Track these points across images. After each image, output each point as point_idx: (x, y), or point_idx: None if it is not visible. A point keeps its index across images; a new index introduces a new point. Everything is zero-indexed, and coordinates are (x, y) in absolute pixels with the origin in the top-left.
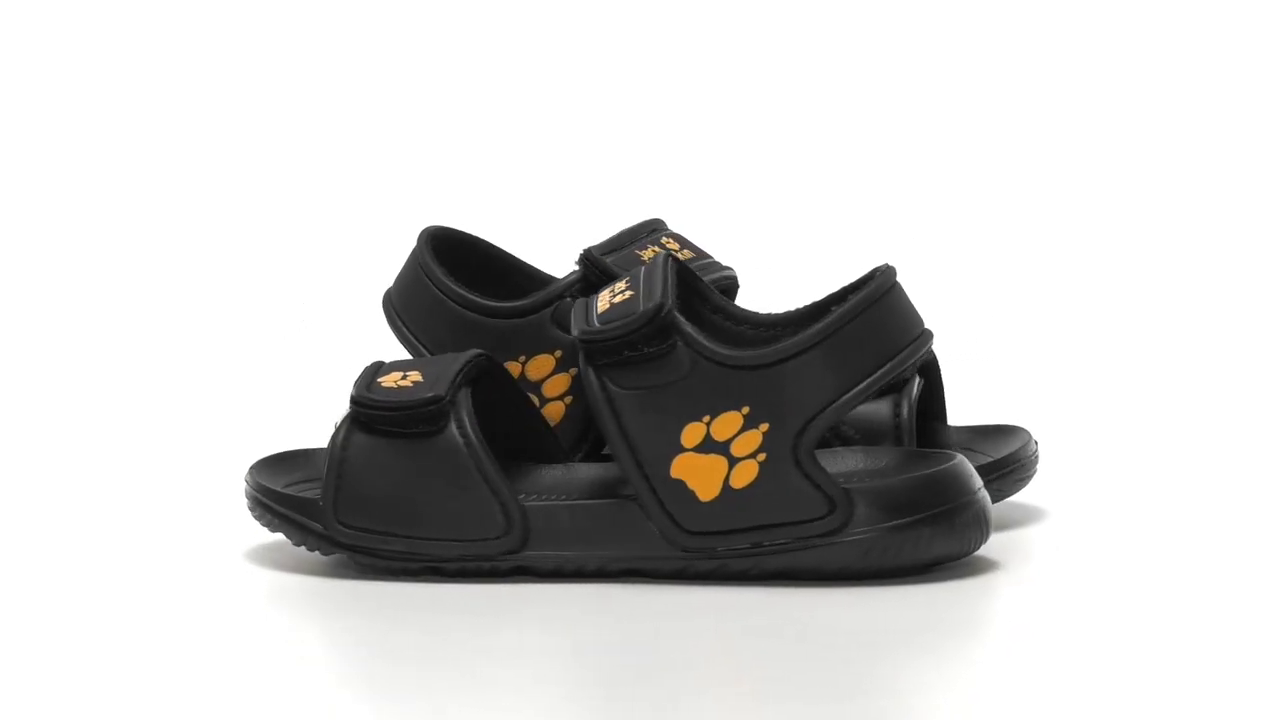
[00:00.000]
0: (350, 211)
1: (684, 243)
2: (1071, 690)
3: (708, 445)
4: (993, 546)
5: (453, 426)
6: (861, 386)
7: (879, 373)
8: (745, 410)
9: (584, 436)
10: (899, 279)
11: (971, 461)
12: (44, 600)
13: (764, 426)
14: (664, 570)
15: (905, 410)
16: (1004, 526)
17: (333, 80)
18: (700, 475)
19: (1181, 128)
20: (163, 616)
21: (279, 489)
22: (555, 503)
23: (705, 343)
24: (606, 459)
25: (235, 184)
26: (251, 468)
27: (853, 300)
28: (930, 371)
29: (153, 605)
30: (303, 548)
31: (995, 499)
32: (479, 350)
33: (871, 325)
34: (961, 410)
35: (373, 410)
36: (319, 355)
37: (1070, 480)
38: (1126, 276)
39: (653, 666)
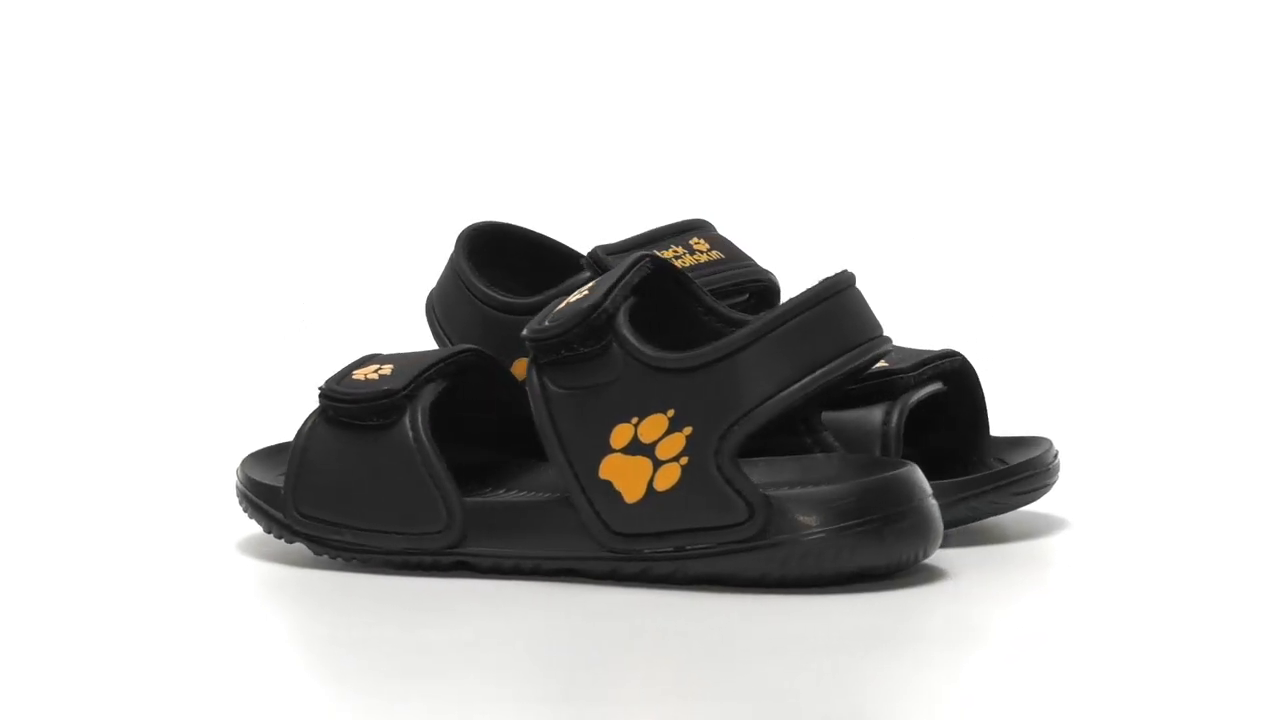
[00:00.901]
0: (376, 210)
1: (719, 244)
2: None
3: (634, 447)
4: (999, 553)
5: (405, 421)
6: (784, 394)
7: (803, 381)
8: (670, 413)
9: None
10: (849, 287)
11: (984, 469)
12: (37, 591)
13: (687, 430)
14: (595, 571)
15: (895, 418)
16: (1021, 535)
17: (362, 78)
18: (626, 477)
19: (1209, 136)
20: (140, 602)
21: (261, 479)
22: (493, 499)
23: (635, 344)
24: None
25: (241, 181)
26: (245, 459)
27: (777, 309)
28: (959, 379)
29: (135, 591)
30: (271, 534)
31: (1009, 507)
32: (469, 346)
33: (800, 332)
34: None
35: (333, 402)
36: (322, 350)
37: (1095, 491)
38: (1159, 289)
39: (572, 664)
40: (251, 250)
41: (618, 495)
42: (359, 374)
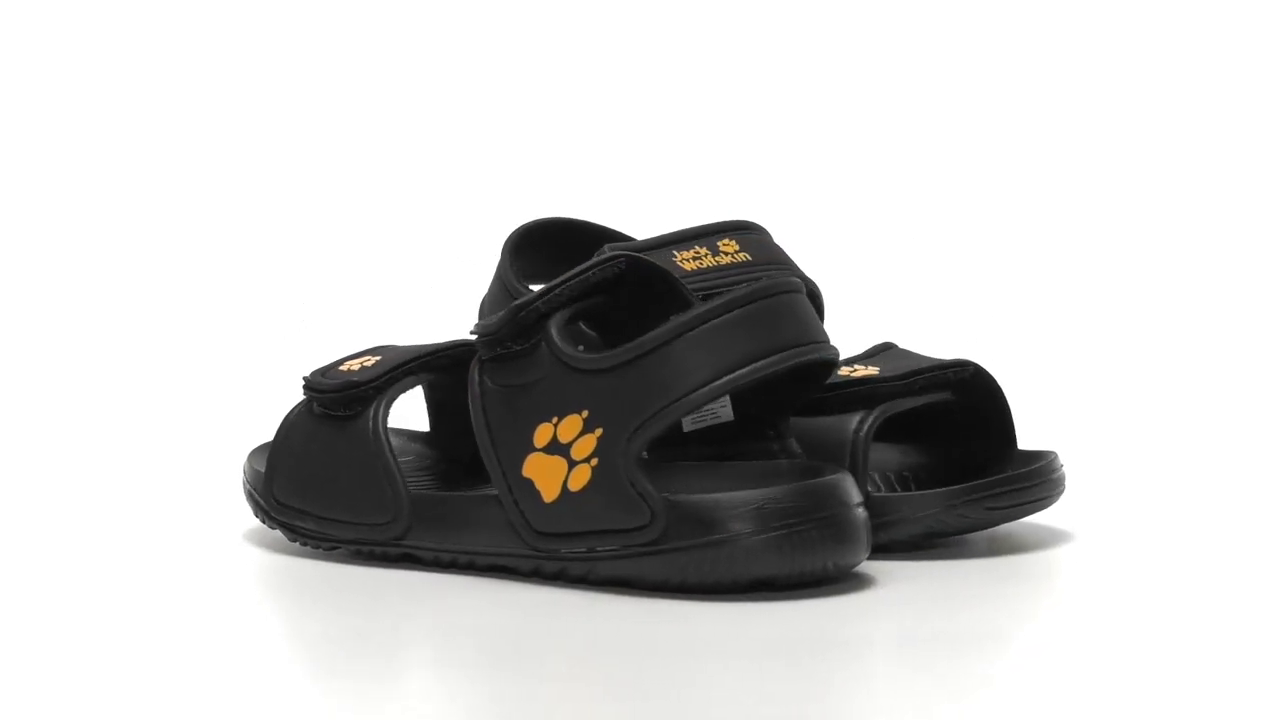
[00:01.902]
0: (418, 211)
1: (753, 246)
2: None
3: (553, 446)
4: (985, 565)
5: (368, 413)
6: (689, 398)
7: (710, 386)
8: (584, 414)
9: None
10: (773, 295)
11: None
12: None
13: (598, 431)
14: (521, 569)
15: (865, 427)
16: (1006, 549)
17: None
18: (545, 476)
19: (1219, 148)
20: (129, 585)
21: (259, 468)
22: (435, 493)
23: (559, 344)
24: None
25: (252, 180)
26: (253, 450)
27: (688, 315)
28: (975, 391)
29: (132, 576)
30: (259, 520)
31: (1006, 518)
32: (463, 340)
33: (709, 338)
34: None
35: (311, 391)
36: (330, 347)
37: (1101, 506)
38: (1163, 301)
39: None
40: (270, 246)
41: (538, 494)
42: (346, 365)
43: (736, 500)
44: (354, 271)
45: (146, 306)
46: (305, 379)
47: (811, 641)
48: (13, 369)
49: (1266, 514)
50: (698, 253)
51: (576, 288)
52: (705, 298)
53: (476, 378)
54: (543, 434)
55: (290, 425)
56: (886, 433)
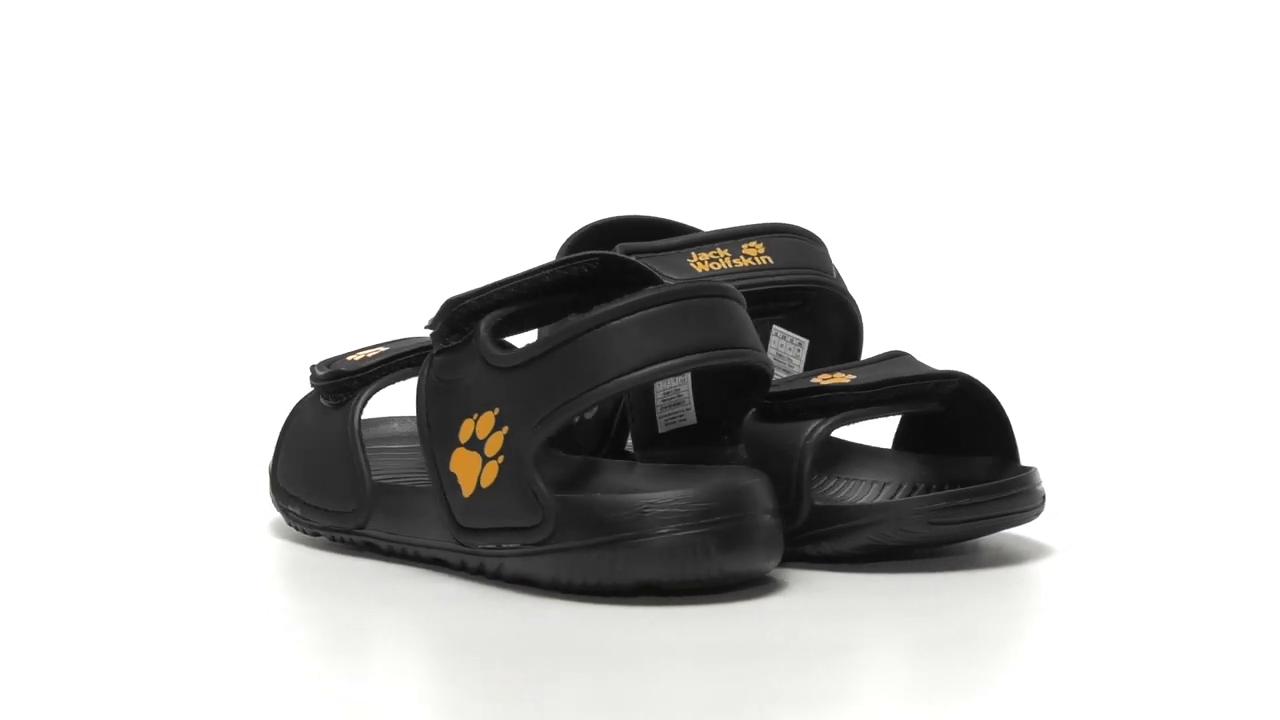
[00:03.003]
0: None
1: (780, 250)
2: None
3: (472, 442)
4: (939, 578)
5: (351, 402)
6: (578, 399)
7: (602, 387)
8: (496, 411)
9: (604, 440)
10: (677, 300)
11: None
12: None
13: (505, 429)
14: (451, 562)
15: (813, 435)
16: (991, 561)
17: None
18: (465, 471)
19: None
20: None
21: None
22: (394, 483)
23: (484, 341)
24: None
25: (293, 177)
26: None
27: (587, 317)
28: (965, 403)
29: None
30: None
31: (981, 530)
32: None
33: (611, 338)
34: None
35: (313, 380)
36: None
37: (1084, 520)
38: (1147, 313)
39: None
40: (308, 239)
41: (459, 489)
42: (351, 355)
43: (624, 502)
44: (399, 266)
45: (178, 297)
46: (310, 367)
47: (740, 645)
48: (38, 361)
49: (1254, 524)
50: (716, 255)
51: (526, 286)
52: None
53: (425, 370)
54: (466, 429)
55: (294, 412)
56: (911, 442)
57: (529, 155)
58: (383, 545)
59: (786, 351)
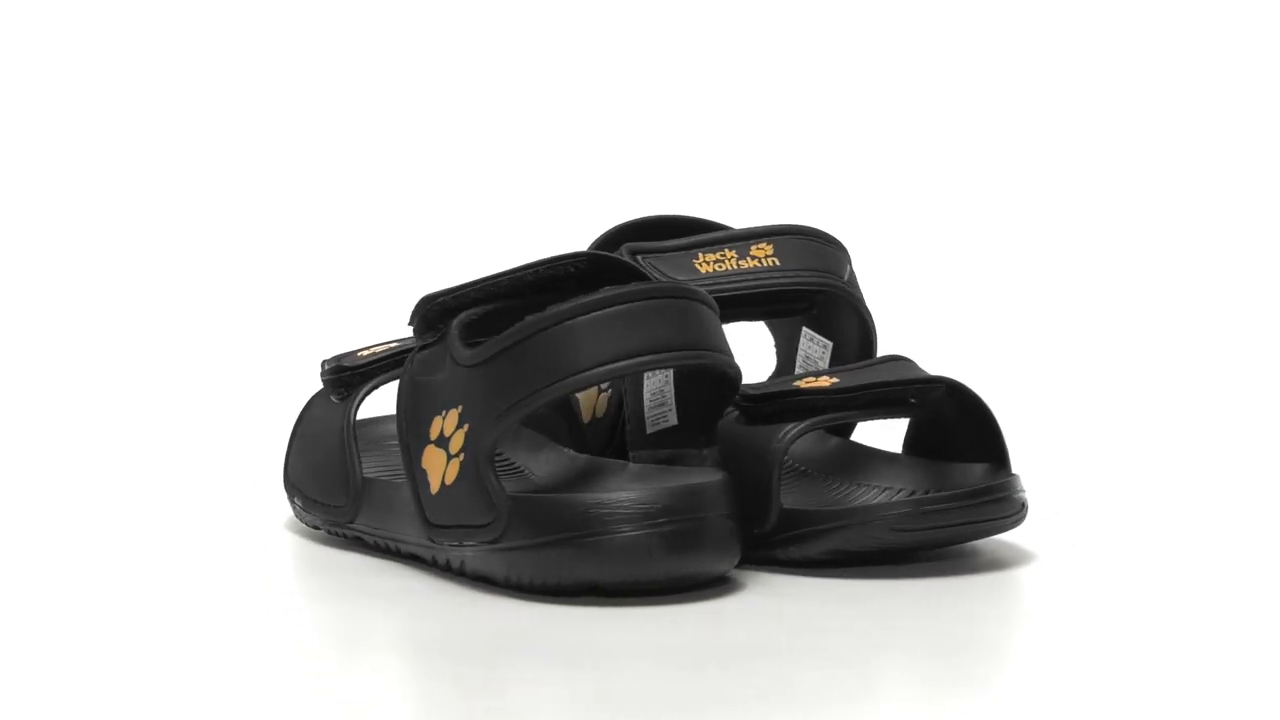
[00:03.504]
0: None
1: (790, 252)
2: None
3: (440, 439)
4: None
5: (351, 397)
6: (532, 396)
7: (555, 386)
8: (460, 409)
9: (610, 439)
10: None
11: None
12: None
13: (466, 427)
14: (424, 558)
15: (785, 438)
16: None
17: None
18: (433, 468)
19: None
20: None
21: None
22: (381, 477)
23: (454, 339)
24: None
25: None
26: None
27: (539, 317)
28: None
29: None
30: None
31: (960, 537)
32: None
33: (567, 336)
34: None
35: (321, 375)
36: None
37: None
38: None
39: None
40: (332, 236)
41: (429, 485)
42: (363, 351)
43: (571, 502)
44: (426, 265)
45: (204, 295)
46: (322, 362)
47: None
48: (60, 358)
49: (1243, 530)
50: (723, 256)
51: (506, 285)
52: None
53: (405, 367)
54: (435, 427)
55: (306, 407)
56: (917, 447)
57: (563, 155)
58: (369, 540)
59: (813, 353)
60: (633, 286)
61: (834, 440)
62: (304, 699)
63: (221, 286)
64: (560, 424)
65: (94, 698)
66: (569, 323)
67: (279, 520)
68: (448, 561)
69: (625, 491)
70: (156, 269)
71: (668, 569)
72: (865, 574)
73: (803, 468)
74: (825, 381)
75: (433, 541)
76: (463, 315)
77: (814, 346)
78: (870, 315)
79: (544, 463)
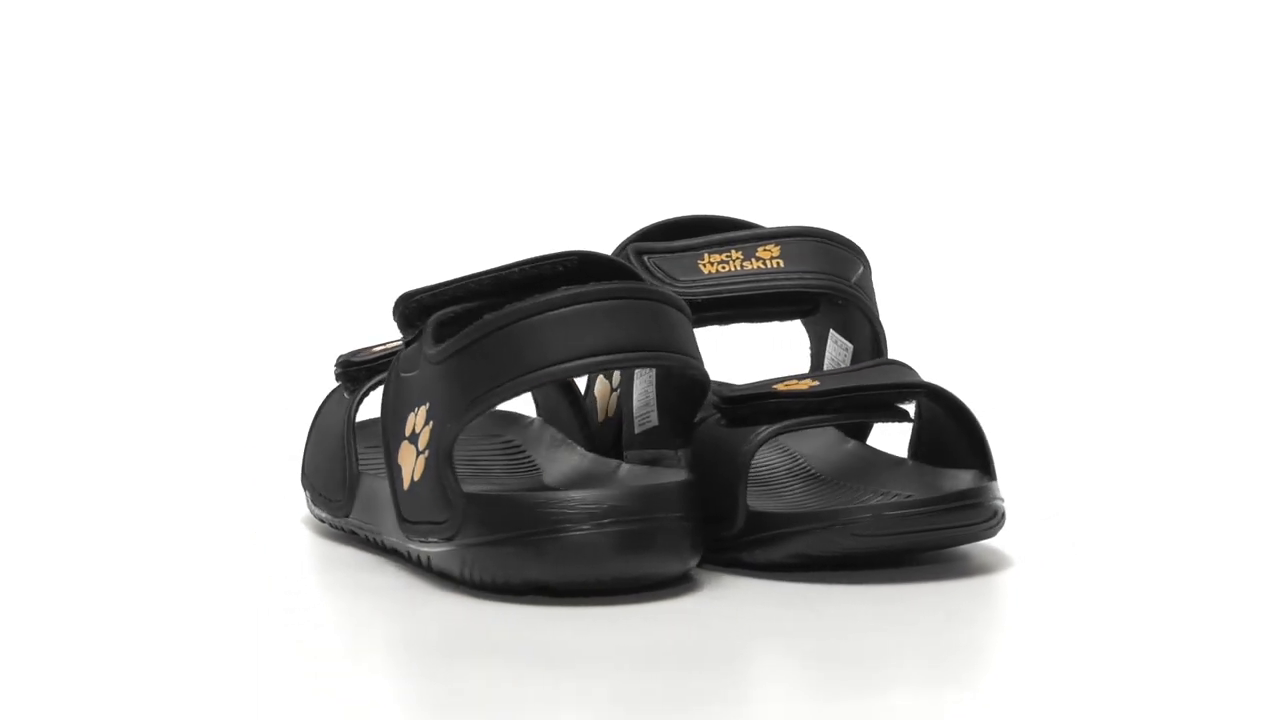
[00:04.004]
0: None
1: (797, 254)
2: None
3: (412, 436)
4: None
5: (356, 391)
6: (491, 393)
7: (505, 386)
8: (427, 405)
9: (616, 440)
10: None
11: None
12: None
13: (431, 424)
14: (401, 552)
15: (753, 441)
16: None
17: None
18: (406, 464)
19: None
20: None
21: None
22: (372, 474)
23: (427, 336)
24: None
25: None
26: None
27: (495, 314)
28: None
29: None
30: None
31: (934, 543)
32: None
33: (516, 338)
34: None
35: (335, 370)
36: None
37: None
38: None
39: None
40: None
41: (402, 481)
42: (377, 347)
43: (520, 501)
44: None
45: (227, 292)
46: (338, 357)
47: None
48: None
49: (1238, 534)
50: (728, 256)
51: (489, 283)
52: (715, 302)
53: (393, 364)
54: (409, 423)
55: (324, 401)
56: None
57: (594, 156)
58: (360, 534)
59: (837, 356)
60: (592, 286)
61: (850, 444)
62: (304, 699)
63: (249, 282)
64: (573, 422)
65: (94, 698)
66: (524, 321)
67: (279, 520)
68: (418, 557)
69: (577, 491)
70: (175, 266)
71: (615, 570)
72: (834, 579)
73: (814, 470)
74: (804, 384)
75: (406, 537)
76: (440, 313)
77: (837, 349)
78: (877, 319)
79: (558, 461)
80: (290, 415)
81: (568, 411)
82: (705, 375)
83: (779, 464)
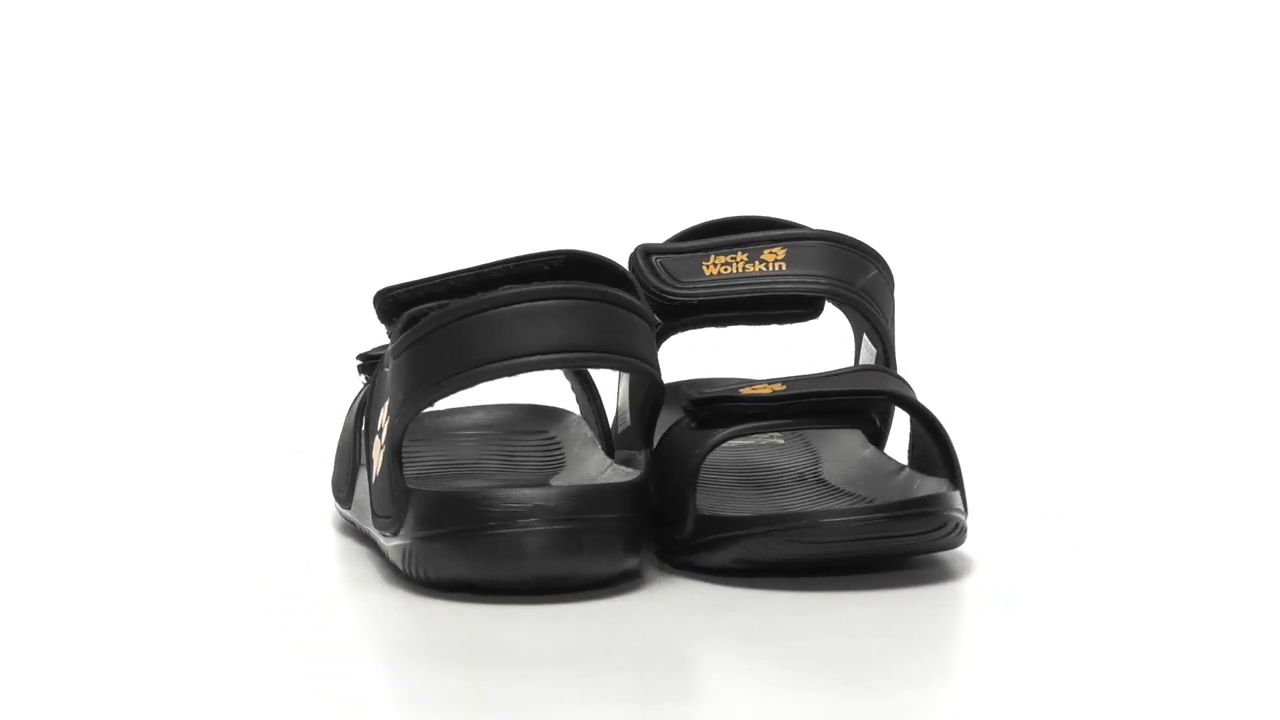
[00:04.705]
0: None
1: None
2: None
3: (380, 430)
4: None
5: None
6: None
7: (446, 383)
8: (389, 401)
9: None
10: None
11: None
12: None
13: (390, 419)
14: (381, 547)
15: (705, 446)
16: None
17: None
18: (375, 458)
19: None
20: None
21: None
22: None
23: (396, 332)
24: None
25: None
26: None
27: (438, 312)
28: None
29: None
30: None
31: (900, 549)
32: None
33: (461, 335)
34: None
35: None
36: None
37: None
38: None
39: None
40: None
41: (372, 476)
42: None
43: (451, 498)
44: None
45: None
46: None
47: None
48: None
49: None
50: (733, 258)
51: (469, 280)
52: (713, 303)
53: (382, 359)
54: (380, 417)
55: (357, 397)
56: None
57: (613, 161)
58: (355, 530)
59: (865, 358)
60: (536, 285)
61: (869, 450)
62: (304, 699)
63: (249, 282)
64: (593, 421)
65: (95, 697)
66: (470, 318)
67: (279, 520)
68: (385, 551)
69: (516, 490)
70: (175, 266)
71: (537, 569)
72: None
73: (824, 475)
74: (769, 388)
75: (376, 530)
76: (412, 310)
77: (866, 352)
78: (881, 322)
79: (582, 460)
80: (290, 413)
81: (588, 410)
82: (656, 377)
83: (793, 466)
